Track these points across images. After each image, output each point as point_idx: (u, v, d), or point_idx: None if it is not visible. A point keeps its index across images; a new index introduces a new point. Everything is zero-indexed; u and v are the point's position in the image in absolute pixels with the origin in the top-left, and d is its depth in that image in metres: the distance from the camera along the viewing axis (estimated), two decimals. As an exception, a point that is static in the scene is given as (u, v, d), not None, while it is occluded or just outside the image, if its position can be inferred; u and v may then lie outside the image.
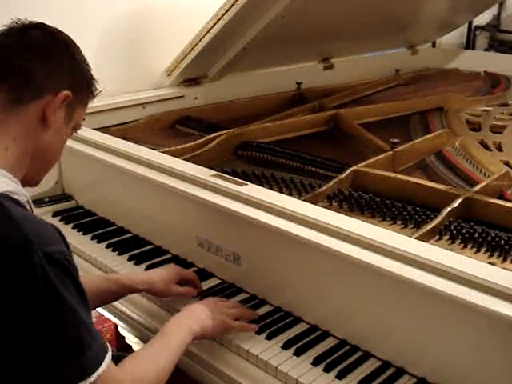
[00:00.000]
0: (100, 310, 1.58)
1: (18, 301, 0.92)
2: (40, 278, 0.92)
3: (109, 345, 1.02)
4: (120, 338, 2.14)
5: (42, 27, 1.11)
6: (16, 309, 0.92)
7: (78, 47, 1.15)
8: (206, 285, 1.52)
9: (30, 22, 1.11)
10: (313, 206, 1.41)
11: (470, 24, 4.16)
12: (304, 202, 1.44)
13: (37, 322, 0.93)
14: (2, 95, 1.06)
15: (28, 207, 1.07)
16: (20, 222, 0.94)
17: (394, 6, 2.67)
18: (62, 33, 1.13)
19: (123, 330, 1.67)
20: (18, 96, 1.06)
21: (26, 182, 1.13)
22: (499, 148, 2.09)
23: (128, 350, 1.64)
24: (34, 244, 0.92)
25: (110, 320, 1.73)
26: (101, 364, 0.97)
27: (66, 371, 0.95)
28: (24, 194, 1.05)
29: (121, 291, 1.41)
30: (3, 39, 1.08)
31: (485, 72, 3.23)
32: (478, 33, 4.32)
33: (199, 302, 1.34)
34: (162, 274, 1.43)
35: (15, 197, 1.01)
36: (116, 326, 2.19)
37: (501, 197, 1.62)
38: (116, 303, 1.51)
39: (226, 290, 1.49)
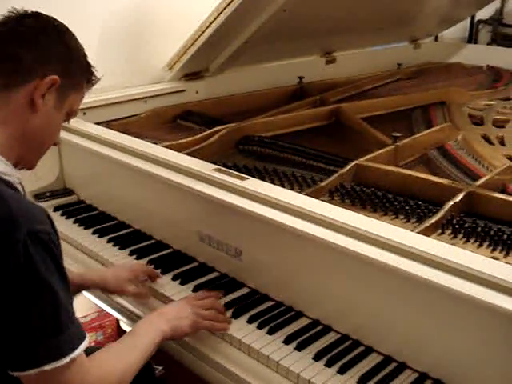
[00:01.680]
0: (101, 304, 1.58)
1: None
2: (21, 253, 0.94)
3: (86, 334, 1.04)
4: (122, 333, 2.14)
5: (36, 15, 1.14)
6: None
7: (73, 35, 1.17)
8: (207, 278, 1.53)
9: (26, 11, 1.13)
10: (314, 200, 1.40)
11: (472, 18, 4.13)
12: (306, 197, 1.43)
13: (14, 297, 0.95)
14: None
15: (20, 189, 1.11)
16: (7, 200, 0.98)
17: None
18: (56, 21, 1.16)
19: (125, 325, 1.67)
20: (6, 81, 1.09)
21: (19, 166, 1.16)
22: (502, 142, 2.08)
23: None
24: (19, 221, 0.96)
25: (111, 315, 1.74)
26: (76, 348, 1.00)
27: (41, 349, 0.96)
28: (16, 177, 1.10)
29: (73, 290, 1.40)
30: None
31: (487, 66, 3.22)
32: (480, 27, 4.29)
33: (173, 303, 1.35)
34: (115, 272, 1.44)
35: (6, 178, 1.06)
36: (118, 321, 2.19)
37: (503, 191, 1.61)
38: (118, 298, 1.51)
39: (226, 285, 1.49)
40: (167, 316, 1.27)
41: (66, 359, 0.97)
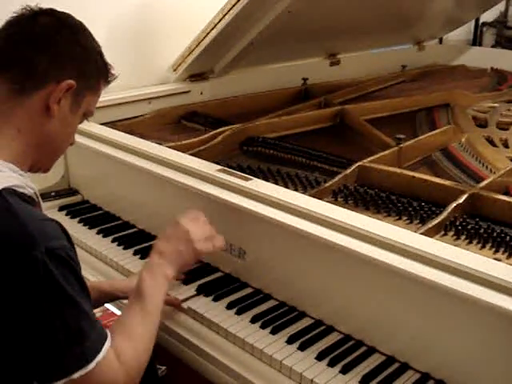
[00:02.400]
0: (106, 303, 1.59)
1: (20, 295, 0.94)
2: (42, 273, 0.94)
3: (107, 332, 1.04)
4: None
5: (50, 13, 1.10)
6: (18, 303, 0.95)
7: (88, 34, 1.14)
8: (211, 278, 1.53)
9: (40, 8, 1.10)
10: (318, 201, 1.41)
11: (477, 20, 4.14)
12: (309, 197, 1.44)
13: (38, 315, 0.95)
14: (6, 85, 1.06)
15: (35, 199, 1.08)
16: (23, 218, 0.96)
17: (401, 1, 2.67)
18: (72, 19, 1.12)
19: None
20: (20, 86, 1.05)
21: (35, 170, 1.14)
22: (505, 144, 2.09)
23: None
24: (37, 240, 0.94)
25: (115, 314, 1.74)
26: (100, 352, 1.00)
27: (67, 358, 0.97)
28: (31, 187, 1.06)
29: (103, 299, 1.42)
30: (10, 28, 1.08)
31: (491, 68, 3.22)
32: (485, 29, 4.30)
33: (167, 232, 1.31)
34: None
35: (21, 190, 1.03)
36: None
37: (506, 193, 1.62)
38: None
39: (230, 284, 1.49)
40: (169, 257, 1.25)
41: (93, 364, 0.98)
